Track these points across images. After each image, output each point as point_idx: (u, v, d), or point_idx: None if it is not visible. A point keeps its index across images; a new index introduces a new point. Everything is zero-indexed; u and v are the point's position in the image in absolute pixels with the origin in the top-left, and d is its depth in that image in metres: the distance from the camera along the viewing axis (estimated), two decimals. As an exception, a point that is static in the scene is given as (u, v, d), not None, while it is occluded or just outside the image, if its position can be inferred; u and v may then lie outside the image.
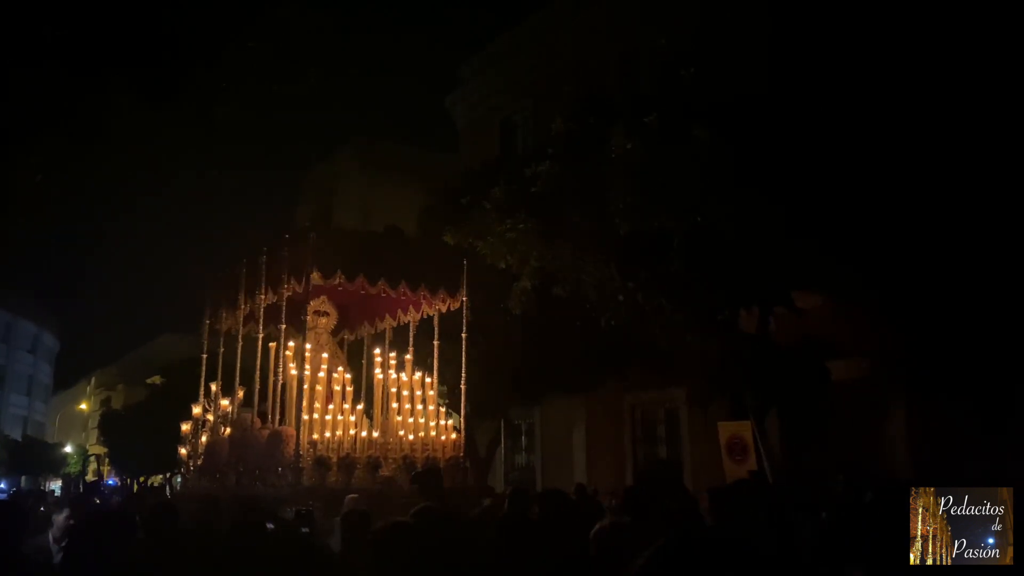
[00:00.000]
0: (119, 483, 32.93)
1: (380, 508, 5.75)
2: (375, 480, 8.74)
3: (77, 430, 51.47)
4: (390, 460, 9.07)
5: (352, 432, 9.00)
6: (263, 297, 9.68)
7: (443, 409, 10.08)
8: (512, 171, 11.71)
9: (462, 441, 9.90)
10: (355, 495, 6.83)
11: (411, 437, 9.32)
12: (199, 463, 10.29)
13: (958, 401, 9.86)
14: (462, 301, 10.13)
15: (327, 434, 8.82)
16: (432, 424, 9.65)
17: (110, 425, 32.26)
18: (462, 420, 10.11)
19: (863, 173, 7.91)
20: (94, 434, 40.64)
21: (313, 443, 8.71)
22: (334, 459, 8.67)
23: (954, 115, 7.67)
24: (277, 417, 9.55)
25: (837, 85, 8.05)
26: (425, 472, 7.29)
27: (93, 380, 54.51)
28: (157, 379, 31.61)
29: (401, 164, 24.23)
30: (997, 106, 7.64)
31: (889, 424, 11.48)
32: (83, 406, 51.00)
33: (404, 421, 9.45)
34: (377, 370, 10.12)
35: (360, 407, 9.68)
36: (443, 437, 9.67)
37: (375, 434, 9.28)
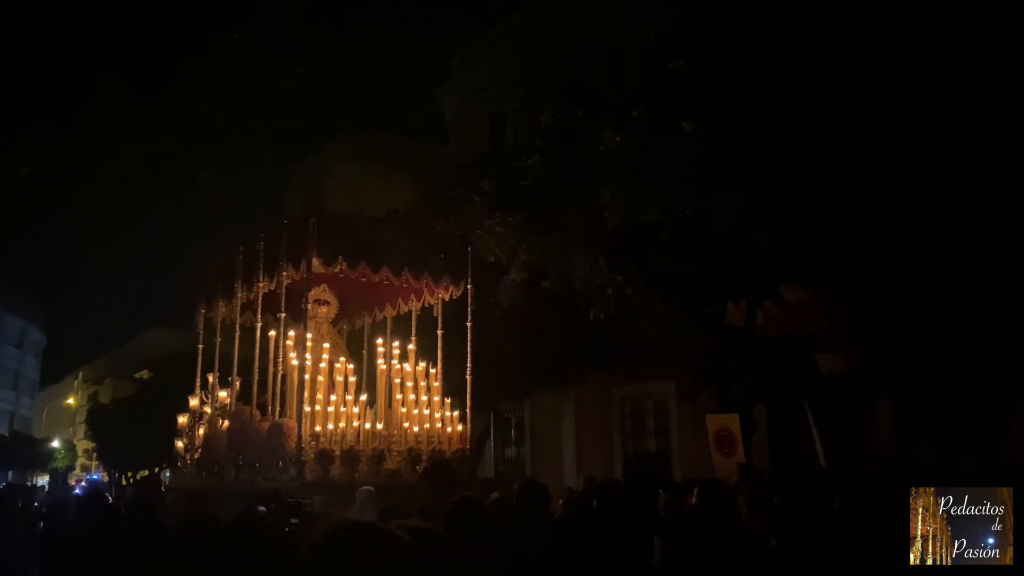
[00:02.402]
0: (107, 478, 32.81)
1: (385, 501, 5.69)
2: (380, 473, 8.56)
3: (64, 425, 51.16)
4: (394, 453, 8.88)
5: (355, 424, 8.82)
6: (261, 285, 9.45)
7: (448, 400, 9.88)
8: (502, 164, 11.70)
9: (468, 433, 9.74)
10: (370, 487, 6.60)
11: (416, 429, 9.16)
12: (196, 456, 10.14)
13: (946, 392, 9.93)
14: (466, 289, 9.90)
15: (330, 426, 8.62)
16: (437, 416, 9.47)
17: (98, 420, 32.06)
18: (467, 412, 9.88)
19: (852, 164, 7.95)
20: (82, 429, 40.35)
21: (315, 435, 8.49)
22: (337, 452, 8.48)
23: (943, 108, 7.71)
24: (277, 409, 9.36)
25: (827, 78, 8.08)
26: (434, 466, 6.99)
27: (80, 375, 54.20)
28: (145, 373, 31.43)
29: (391, 156, 24.05)
30: (988, 98, 7.67)
31: (877, 416, 11.55)
32: (70, 401, 50.68)
33: (409, 413, 9.28)
34: (380, 360, 9.83)
35: (364, 398, 9.48)
36: (449, 429, 9.49)
37: (379, 426, 9.10)
